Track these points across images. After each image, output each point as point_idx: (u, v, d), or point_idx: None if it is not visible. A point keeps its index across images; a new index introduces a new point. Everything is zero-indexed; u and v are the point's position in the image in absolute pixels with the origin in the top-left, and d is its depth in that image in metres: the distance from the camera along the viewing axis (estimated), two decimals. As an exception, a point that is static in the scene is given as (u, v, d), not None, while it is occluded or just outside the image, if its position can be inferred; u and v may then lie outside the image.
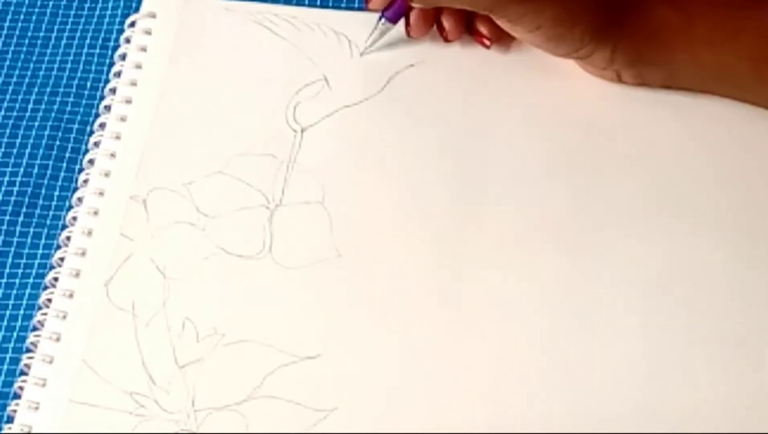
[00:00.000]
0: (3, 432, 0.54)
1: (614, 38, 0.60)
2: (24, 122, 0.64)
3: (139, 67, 0.65)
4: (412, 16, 0.63)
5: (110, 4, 0.68)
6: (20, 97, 0.65)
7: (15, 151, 0.63)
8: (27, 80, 0.66)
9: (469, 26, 0.64)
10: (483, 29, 0.64)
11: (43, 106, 0.65)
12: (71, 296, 0.57)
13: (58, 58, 0.66)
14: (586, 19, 0.59)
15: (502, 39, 0.64)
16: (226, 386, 0.54)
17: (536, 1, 0.58)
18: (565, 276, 0.57)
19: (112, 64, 0.65)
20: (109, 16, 0.68)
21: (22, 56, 0.67)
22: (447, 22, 0.64)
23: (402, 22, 0.64)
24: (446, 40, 0.64)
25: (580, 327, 0.56)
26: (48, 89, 0.65)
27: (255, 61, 0.65)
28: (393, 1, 0.63)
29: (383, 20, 0.64)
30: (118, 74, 0.64)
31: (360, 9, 0.67)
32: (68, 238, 0.59)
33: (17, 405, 0.54)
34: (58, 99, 0.65)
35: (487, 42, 0.64)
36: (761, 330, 0.56)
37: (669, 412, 0.54)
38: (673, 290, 0.57)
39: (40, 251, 0.59)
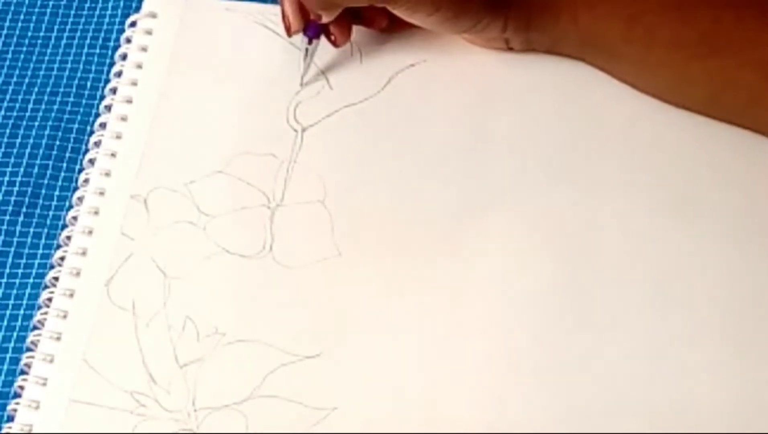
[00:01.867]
0: (3, 431, 0.54)
1: (507, 6, 0.62)
2: (24, 122, 0.64)
3: (139, 67, 0.65)
4: (331, 27, 0.63)
5: (110, 4, 0.68)
6: (20, 97, 0.65)
7: (15, 151, 0.63)
8: (27, 80, 0.66)
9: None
10: (334, 29, 0.64)
11: (43, 106, 0.65)
12: (72, 295, 0.57)
13: (58, 58, 0.66)
14: None
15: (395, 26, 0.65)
16: (227, 385, 0.54)
17: None
18: (566, 276, 0.57)
19: (112, 64, 0.65)
20: (110, 16, 0.68)
21: (22, 56, 0.67)
22: (334, 28, 0.63)
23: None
24: (335, 45, 0.64)
25: (580, 327, 0.56)
26: (48, 89, 0.65)
27: (255, 61, 0.65)
28: (307, 20, 0.62)
29: (307, 41, 0.63)
30: (118, 74, 0.64)
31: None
32: (68, 237, 0.59)
33: (18, 404, 0.54)
34: (58, 99, 0.65)
35: (383, 25, 0.65)
36: (762, 330, 0.56)
37: (669, 412, 0.54)
38: (673, 289, 0.57)
39: (40, 251, 0.59)
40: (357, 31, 0.65)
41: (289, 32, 0.63)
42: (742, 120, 0.61)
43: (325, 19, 0.62)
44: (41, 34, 0.68)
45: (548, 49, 0.64)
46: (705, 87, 0.61)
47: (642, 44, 0.61)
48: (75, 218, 0.59)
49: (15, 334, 0.57)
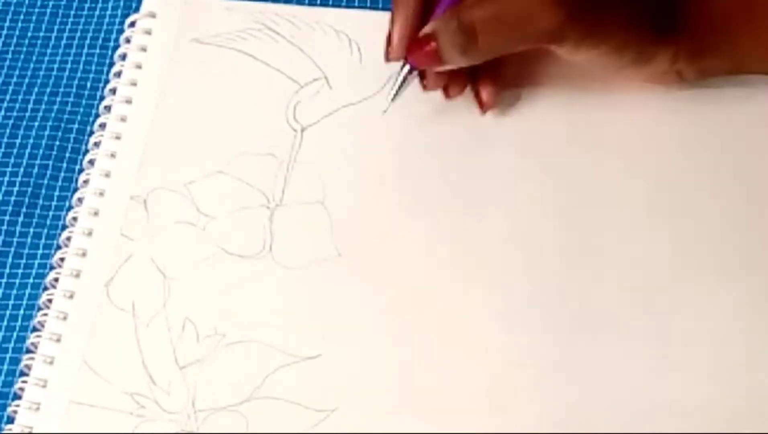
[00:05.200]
0: (3, 432, 0.54)
1: (675, 35, 0.58)
2: (24, 122, 0.64)
3: (139, 67, 0.64)
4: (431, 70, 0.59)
5: (110, 4, 0.68)
6: (20, 97, 0.65)
7: (15, 151, 0.63)
8: (27, 80, 0.66)
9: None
10: (484, 95, 0.60)
11: (43, 106, 0.65)
12: (71, 296, 0.57)
13: (58, 58, 0.66)
14: (647, 20, 0.57)
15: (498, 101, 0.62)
16: (227, 386, 0.54)
17: (599, 15, 0.55)
18: (566, 275, 0.57)
19: (112, 64, 0.65)
20: (109, 16, 0.68)
21: (22, 56, 0.67)
22: (451, 78, 0.60)
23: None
24: (448, 97, 0.61)
25: (580, 327, 0.56)
26: (48, 89, 0.65)
27: (255, 61, 0.65)
28: (419, 46, 0.57)
29: (407, 68, 0.58)
30: (118, 74, 0.64)
31: (359, 7, 0.67)
32: (68, 238, 0.59)
33: (18, 405, 0.54)
34: (58, 99, 0.65)
35: (484, 110, 0.61)
36: (763, 330, 0.55)
37: (669, 412, 0.54)
38: (674, 288, 0.57)
39: (40, 251, 0.59)
40: (357, 31, 0.65)
41: (388, 58, 0.58)
42: None
43: (450, 68, 0.57)
44: (41, 34, 0.67)
45: (728, 73, 0.61)
46: None
47: None
48: (75, 218, 0.59)
49: (15, 335, 0.57)
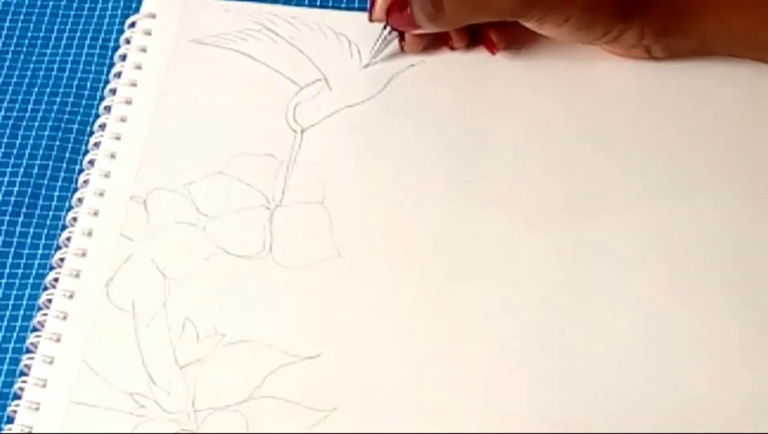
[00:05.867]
0: (3, 432, 0.54)
1: (642, 13, 0.60)
2: (24, 122, 0.64)
3: (139, 67, 0.65)
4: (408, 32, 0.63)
5: (110, 4, 0.68)
6: (20, 97, 0.65)
7: (15, 151, 0.63)
8: (27, 80, 0.66)
9: (475, 35, 0.64)
10: (494, 37, 0.63)
11: (43, 106, 0.65)
12: (71, 296, 0.57)
13: (58, 58, 0.66)
14: (613, 1, 0.59)
15: (510, 45, 0.64)
16: (227, 386, 0.54)
17: None
18: (565, 276, 0.57)
19: (112, 64, 0.65)
20: (109, 17, 0.68)
21: (22, 56, 0.67)
22: (452, 32, 0.63)
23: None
24: (452, 48, 0.64)
25: (580, 326, 0.56)
26: (48, 89, 0.65)
27: (254, 62, 0.65)
28: (397, 9, 0.61)
29: (388, 29, 0.63)
30: (118, 75, 0.64)
31: (359, 9, 0.67)
32: (68, 238, 0.59)
33: (17, 405, 0.54)
34: (58, 99, 0.65)
35: (495, 50, 0.64)
36: (761, 330, 0.56)
37: (668, 412, 0.54)
38: (672, 290, 0.57)
39: (40, 252, 0.59)
40: (356, 33, 0.65)
41: (371, 18, 0.63)
42: None
43: (425, 31, 0.61)
44: (41, 34, 0.68)
45: (694, 53, 0.63)
46: None
47: None
48: (75, 219, 0.59)
49: (15, 335, 0.57)
